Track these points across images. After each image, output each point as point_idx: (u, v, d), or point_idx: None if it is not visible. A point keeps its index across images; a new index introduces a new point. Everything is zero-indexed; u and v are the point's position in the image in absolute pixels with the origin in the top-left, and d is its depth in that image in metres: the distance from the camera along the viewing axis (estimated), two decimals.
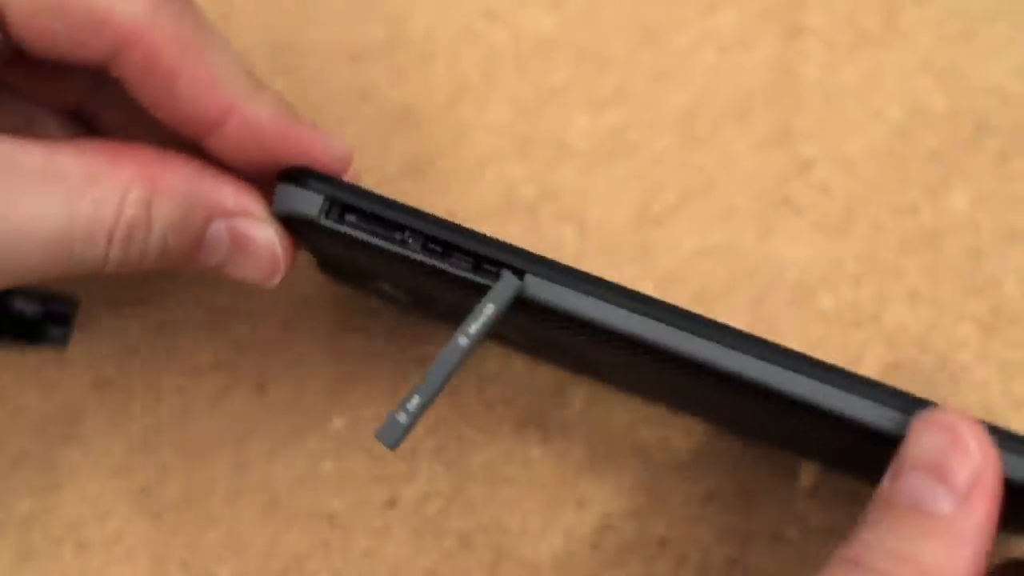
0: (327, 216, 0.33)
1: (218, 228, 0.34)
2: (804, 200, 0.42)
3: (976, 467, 0.31)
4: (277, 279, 0.35)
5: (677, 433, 0.41)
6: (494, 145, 0.43)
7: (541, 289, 0.32)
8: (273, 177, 0.34)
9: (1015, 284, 0.41)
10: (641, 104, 0.43)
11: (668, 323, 0.32)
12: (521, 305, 0.33)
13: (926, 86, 0.42)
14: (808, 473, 0.41)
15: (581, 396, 0.42)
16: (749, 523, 0.41)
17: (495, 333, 0.36)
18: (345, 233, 0.33)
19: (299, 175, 0.34)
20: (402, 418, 0.31)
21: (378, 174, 0.43)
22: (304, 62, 0.43)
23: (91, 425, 0.42)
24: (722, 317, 0.41)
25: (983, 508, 0.31)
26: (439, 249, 0.33)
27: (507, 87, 0.43)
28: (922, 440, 0.32)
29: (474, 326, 0.32)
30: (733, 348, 0.32)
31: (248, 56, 0.43)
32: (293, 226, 0.35)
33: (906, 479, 0.32)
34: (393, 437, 0.31)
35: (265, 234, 0.34)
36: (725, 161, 0.42)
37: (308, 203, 0.33)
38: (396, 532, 0.41)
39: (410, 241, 0.33)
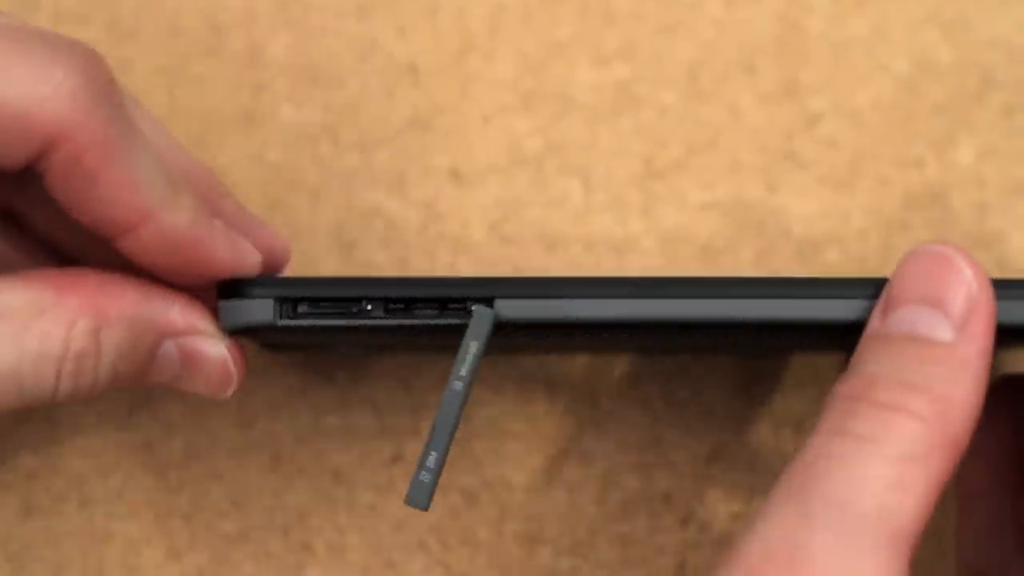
0: (282, 316, 0.33)
1: (168, 348, 0.34)
2: (810, 154, 0.42)
3: (972, 293, 0.31)
4: (230, 391, 0.35)
5: (682, 389, 0.41)
6: (499, 99, 0.42)
7: (515, 309, 0.32)
8: (185, 278, 0.33)
9: (1021, 238, 0.41)
10: (646, 58, 0.42)
11: (645, 296, 0.32)
12: (501, 328, 0.33)
13: (933, 39, 0.42)
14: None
15: (582, 352, 0.42)
16: (754, 479, 0.41)
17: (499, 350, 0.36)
18: (306, 325, 0.33)
19: (239, 288, 0.33)
20: (426, 477, 0.32)
21: (382, 129, 0.42)
22: (308, 15, 0.43)
23: None
24: (728, 272, 0.41)
25: (982, 334, 0.31)
26: (401, 307, 0.33)
27: (512, 41, 0.42)
28: (913, 271, 0.31)
29: (464, 368, 0.32)
30: (707, 298, 0.32)
31: (253, 9, 0.43)
32: (243, 332, 0.35)
33: (900, 311, 0.31)
34: (423, 498, 0.32)
35: (216, 350, 0.34)
36: (731, 115, 0.42)
37: (260, 311, 0.33)
38: (401, 487, 0.41)
39: (370, 308, 0.33)
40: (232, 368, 0.34)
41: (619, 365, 0.42)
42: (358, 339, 0.36)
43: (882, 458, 0.29)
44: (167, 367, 0.34)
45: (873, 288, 0.32)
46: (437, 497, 0.41)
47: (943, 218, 0.41)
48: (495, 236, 0.42)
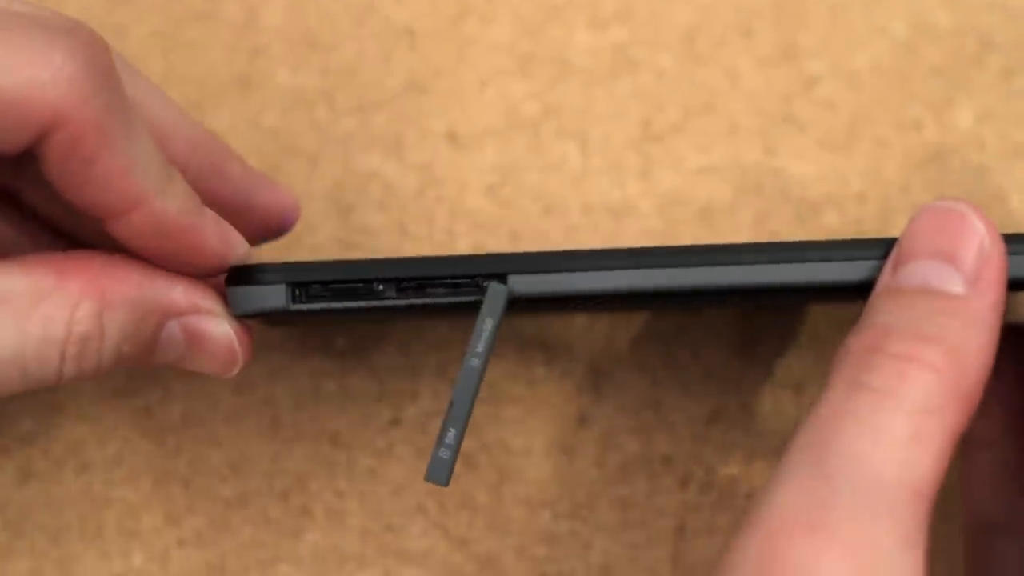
0: (295, 301, 0.33)
1: (172, 328, 0.33)
2: (808, 117, 0.42)
3: (984, 247, 0.31)
4: (236, 370, 0.35)
5: (681, 351, 0.41)
6: (496, 63, 0.42)
7: (529, 284, 0.32)
8: (175, 265, 0.33)
9: (1020, 200, 0.41)
10: (644, 21, 0.42)
11: (662, 266, 0.32)
12: (515, 304, 0.33)
13: (931, 1, 0.42)
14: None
15: (584, 314, 0.42)
16: (753, 441, 0.41)
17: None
18: (318, 309, 0.33)
19: (249, 274, 0.33)
20: (445, 454, 0.32)
21: (379, 92, 0.42)
22: None
23: None
24: (727, 235, 0.41)
25: (994, 288, 0.31)
26: (414, 287, 0.33)
27: (510, 4, 0.42)
28: (924, 227, 0.31)
29: (480, 345, 0.32)
30: (724, 266, 0.32)
31: None
32: (253, 317, 0.34)
33: (912, 265, 0.31)
34: (443, 474, 0.32)
35: (221, 329, 0.34)
36: (729, 78, 0.42)
37: (272, 297, 0.33)
38: (399, 451, 0.41)
39: (382, 289, 0.33)
40: (237, 347, 0.34)
41: (618, 328, 0.41)
42: (370, 318, 0.36)
43: (898, 412, 0.29)
44: (172, 347, 0.34)
45: (883, 248, 0.32)
46: None
47: (942, 180, 0.41)
48: (493, 200, 0.42)
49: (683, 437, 0.41)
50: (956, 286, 0.31)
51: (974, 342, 0.30)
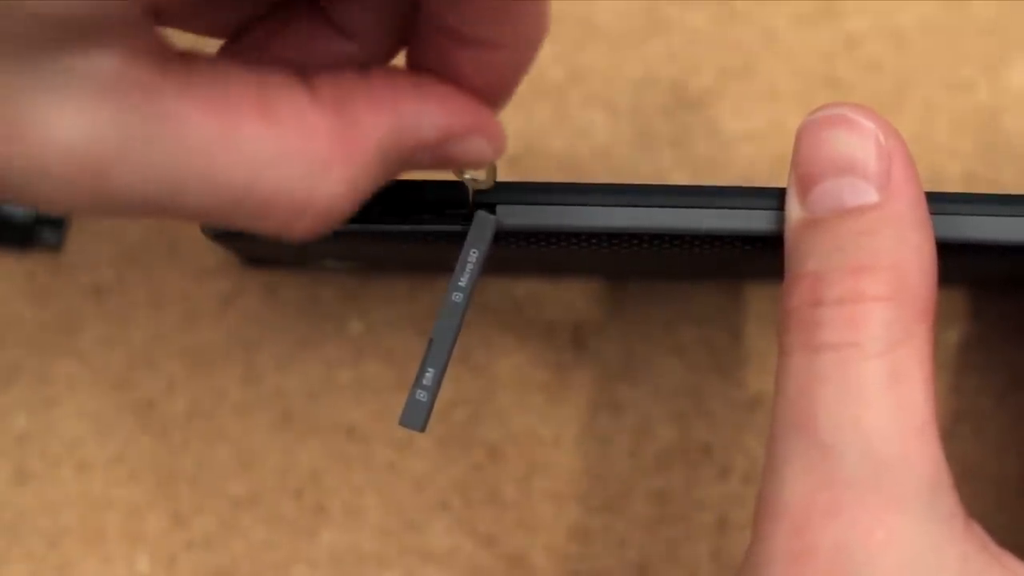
0: None
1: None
2: (851, 79, 0.40)
3: (882, 143, 0.28)
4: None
5: (719, 333, 0.40)
6: None
7: (518, 216, 0.31)
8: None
9: None
10: None
11: (658, 206, 0.30)
12: (503, 238, 0.31)
13: None
14: None
15: (615, 293, 0.40)
16: None
17: (495, 269, 0.34)
18: None
19: None
20: (422, 396, 0.30)
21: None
22: None
23: (90, 336, 0.40)
24: None
25: (908, 180, 0.28)
26: (397, 211, 0.31)
27: None
28: (814, 143, 0.29)
29: (463, 278, 0.30)
30: (736, 208, 0.30)
31: None
32: (227, 239, 0.33)
33: (818, 188, 0.29)
34: (419, 419, 0.30)
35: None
36: (766, 38, 0.40)
37: None
38: (420, 443, 0.40)
39: (364, 212, 0.30)
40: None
41: (653, 309, 0.40)
42: (349, 248, 0.34)
43: (868, 359, 0.27)
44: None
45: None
46: (459, 452, 0.39)
47: (995, 144, 0.40)
48: (514, 172, 0.40)
49: (723, 424, 0.40)
50: (870, 195, 0.28)
51: (909, 249, 0.28)
